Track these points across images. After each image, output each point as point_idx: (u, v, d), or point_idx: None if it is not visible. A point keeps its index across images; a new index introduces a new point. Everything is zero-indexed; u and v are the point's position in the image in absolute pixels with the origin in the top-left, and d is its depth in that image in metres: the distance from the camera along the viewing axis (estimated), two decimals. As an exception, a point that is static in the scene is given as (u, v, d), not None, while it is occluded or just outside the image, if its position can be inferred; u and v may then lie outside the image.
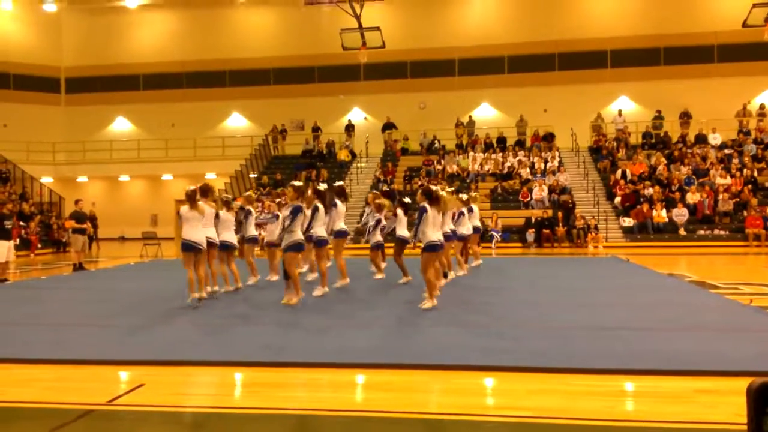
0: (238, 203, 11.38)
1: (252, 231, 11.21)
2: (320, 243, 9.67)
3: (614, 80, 28.83)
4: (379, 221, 11.67)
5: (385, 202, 11.96)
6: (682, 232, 20.97)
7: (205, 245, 9.14)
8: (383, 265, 11.98)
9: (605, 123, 27.91)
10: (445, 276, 10.62)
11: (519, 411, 4.50)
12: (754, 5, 21.57)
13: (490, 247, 17.50)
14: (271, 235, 11.20)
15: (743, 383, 4.92)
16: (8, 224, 13.72)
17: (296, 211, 8.90)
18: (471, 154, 26.67)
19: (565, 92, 28.40)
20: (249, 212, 11.19)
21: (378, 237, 11.75)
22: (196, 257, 9.01)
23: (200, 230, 9.05)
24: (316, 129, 29.81)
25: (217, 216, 9.74)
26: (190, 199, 8.95)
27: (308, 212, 9.29)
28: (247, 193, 12.92)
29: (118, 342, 6.91)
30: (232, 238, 10.30)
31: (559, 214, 21.80)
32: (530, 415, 4.42)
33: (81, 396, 5.07)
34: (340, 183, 11.32)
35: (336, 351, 6.18)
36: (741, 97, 26.96)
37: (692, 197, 22.07)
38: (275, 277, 11.54)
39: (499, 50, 29.61)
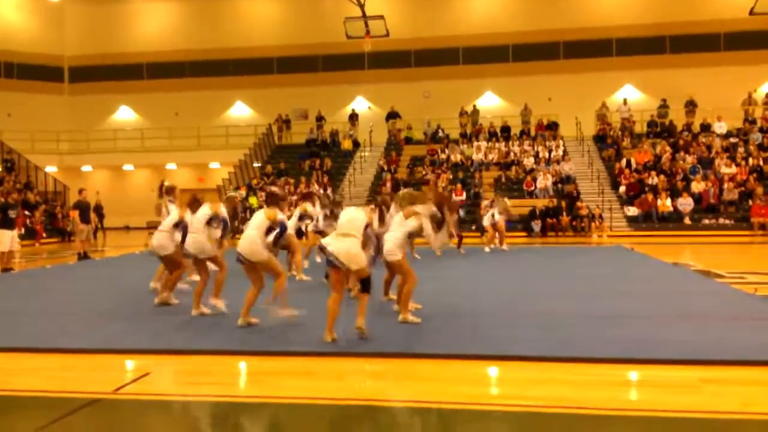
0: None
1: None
2: None
3: (619, 69, 28.67)
4: None
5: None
6: (687, 221, 20.89)
7: None
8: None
9: (610, 112, 27.76)
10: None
11: (523, 400, 4.51)
12: (761, -7, 21.37)
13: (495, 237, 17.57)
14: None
15: (748, 373, 4.97)
16: (12, 213, 13.81)
17: None
18: (475, 143, 26.58)
19: (570, 81, 28.25)
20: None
21: None
22: None
23: None
24: (319, 118, 29.74)
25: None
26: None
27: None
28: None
29: (124, 331, 6.92)
30: None
31: (563, 203, 21.72)
32: (535, 404, 4.42)
33: (87, 385, 5.09)
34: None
35: (343, 340, 6.18)
36: (747, 86, 26.78)
37: (697, 186, 21.96)
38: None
39: (504, 38, 29.47)
